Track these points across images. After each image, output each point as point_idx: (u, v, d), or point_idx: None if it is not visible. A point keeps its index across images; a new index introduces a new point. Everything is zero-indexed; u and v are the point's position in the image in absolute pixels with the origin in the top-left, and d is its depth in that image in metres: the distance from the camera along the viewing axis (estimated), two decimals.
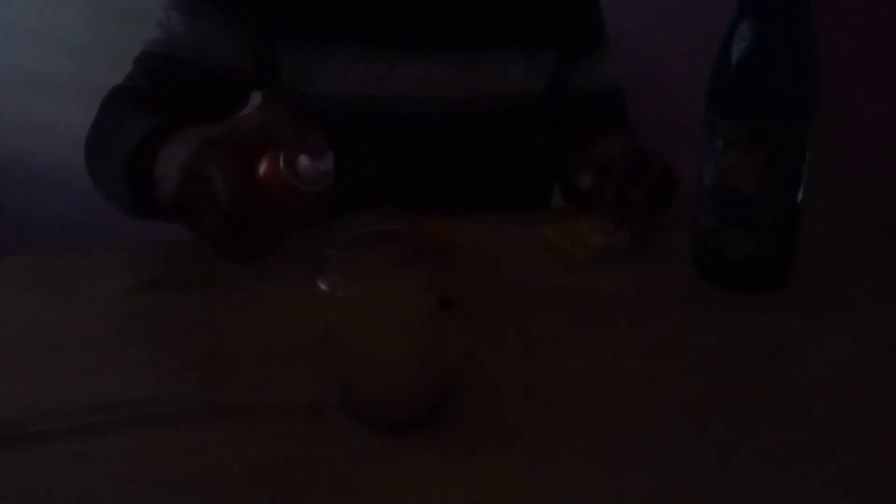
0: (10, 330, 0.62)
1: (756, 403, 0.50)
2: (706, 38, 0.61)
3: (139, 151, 0.54)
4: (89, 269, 0.70)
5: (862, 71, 1.18)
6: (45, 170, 1.71)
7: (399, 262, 0.45)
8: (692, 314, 0.59)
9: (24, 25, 1.64)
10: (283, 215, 0.44)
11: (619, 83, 0.91)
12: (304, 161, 0.42)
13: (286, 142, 0.43)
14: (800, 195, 0.58)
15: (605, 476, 0.44)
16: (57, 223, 1.68)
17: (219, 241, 0.45)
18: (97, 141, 0.68)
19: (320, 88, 0.78)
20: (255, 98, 0.84)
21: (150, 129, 0.54)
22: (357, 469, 0.46)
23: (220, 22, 0.74)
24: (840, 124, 1.04)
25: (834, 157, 0.76)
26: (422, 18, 0.78)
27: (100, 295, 0.65)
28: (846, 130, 1.11)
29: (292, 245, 0.48)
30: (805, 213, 0.59)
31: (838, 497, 0.42)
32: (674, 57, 1.28)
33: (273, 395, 0.52)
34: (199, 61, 0.73)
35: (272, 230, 0.45)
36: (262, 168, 0.43)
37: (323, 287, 0.45)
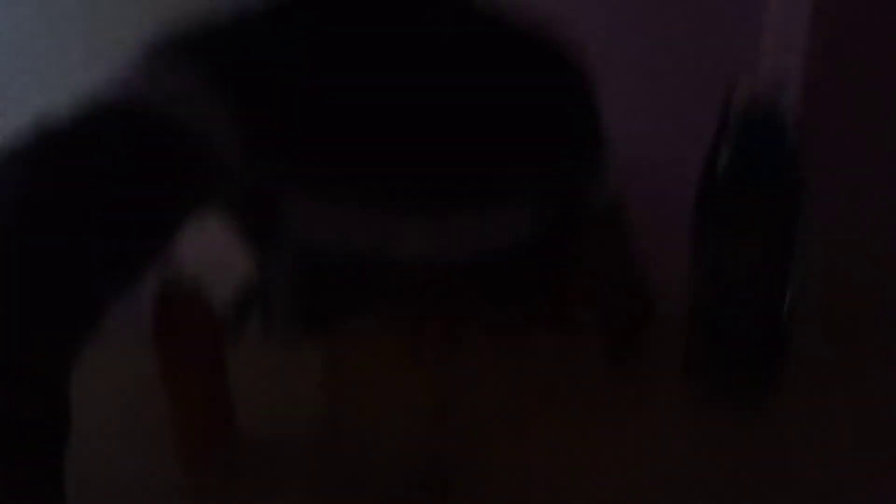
0: None
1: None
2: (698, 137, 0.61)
3: None
4: None
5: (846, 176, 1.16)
6: None
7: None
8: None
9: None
10: None
11: (619, 193, 0.88)
12: None
13: None
14: (791, 290, 0.59)
15: None
16: None
17: None
18: None
19: (319, 243, 0.73)
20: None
21: None
22: None
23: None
24: (830, 212, 1.06)
25: (827, 248, 0.77)
26: (424, 175, 0.73)
27: None
28: (836, 219, 1.11)
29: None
30: (797, 312, 0.60)
31: None
32: (665, 153, 1.29)
33: None
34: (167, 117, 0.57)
35: None
36: None
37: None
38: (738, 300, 0.58)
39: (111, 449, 0.56)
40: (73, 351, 0.44)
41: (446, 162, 0.75)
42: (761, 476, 0.54)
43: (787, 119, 0.55)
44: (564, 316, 0.81)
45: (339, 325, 0.50)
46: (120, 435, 0.58)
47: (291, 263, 0.78)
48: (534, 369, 0.67)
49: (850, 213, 1.17)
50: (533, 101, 0.80)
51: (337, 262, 0.74)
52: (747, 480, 0.54)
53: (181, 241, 0.58)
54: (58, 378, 0.42)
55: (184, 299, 0.52)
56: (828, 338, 0.68)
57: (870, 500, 0.51)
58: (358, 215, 0.71)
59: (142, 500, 0.53)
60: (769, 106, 0.54)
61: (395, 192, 0.73)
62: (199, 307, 0.52)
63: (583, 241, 0.86)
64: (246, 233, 0.79)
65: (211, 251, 0.82)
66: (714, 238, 0.57)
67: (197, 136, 0.59)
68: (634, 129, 1.32)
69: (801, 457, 0.56)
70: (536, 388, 0.64)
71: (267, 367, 0.67)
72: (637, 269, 0.75)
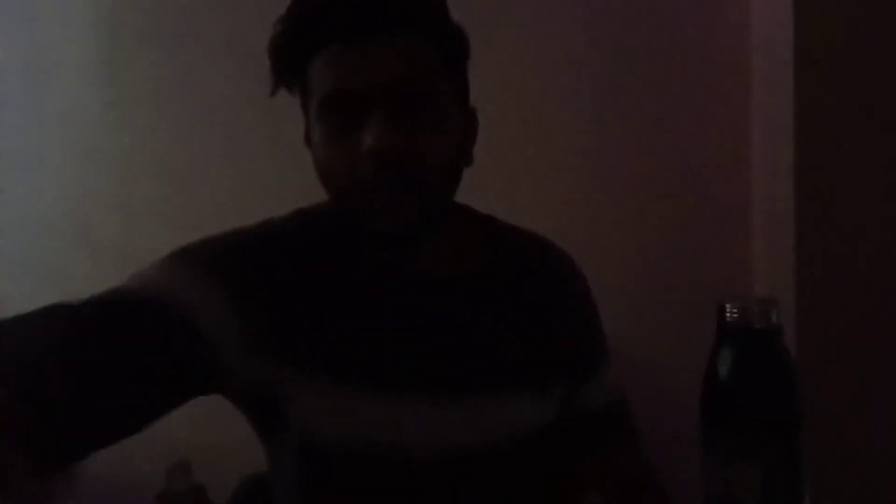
0: None
1: None
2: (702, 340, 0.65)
3: None
4: None
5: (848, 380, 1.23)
6: None
7: None
8: None
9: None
10: None
11: (621, 393, 0.90)
12: None
13: None
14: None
15: None
16: None
17: None
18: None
19: (327, 431, 0.74)
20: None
21: None
22: None
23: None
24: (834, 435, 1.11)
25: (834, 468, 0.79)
26: (430, 364, 0.76)
27: None
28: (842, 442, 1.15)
29: None
30: None
31: None
32: (670, 361, 1.37)
33: None
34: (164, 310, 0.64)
35: None
36: None
37: None
38: None
39: None
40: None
41: (446, 352, 0.77)
42: None
43: (778, 332, 0.57)
44: None
45: None
46: None
47: (297, 457, 0.78)
48: None
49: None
50: (533, 304, 0.83)
51: (341, 453, 0.74)
52: None
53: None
54: None
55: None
56: None
57: None
58: (359, 401, 0.73)
59: None
60: (761, 319, 0.58)
61: (396, 379, 0.75)
62: None
63: (588, 433, 0.86)
64: (255, 426, 0.80)
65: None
66: (721, 446, 0.58)
67: (201, 326, 0.66)
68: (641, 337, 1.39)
69: None
70: None
71: None
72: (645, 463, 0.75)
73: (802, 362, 1.11)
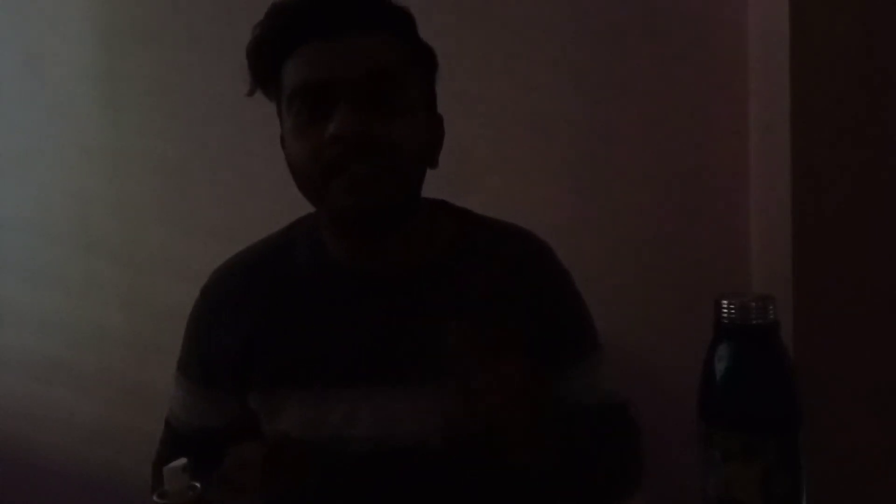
0: None
1: None
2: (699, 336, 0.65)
3: None
4: None
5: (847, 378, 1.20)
6: (53, 461, 1.70)
7: None
8: None
9: (55, 318, 1.68)
10: None
11: (617, 398, 0.87)
12: None
13: None
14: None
15: None
16: None
17: None
18: None
19: (289, 433, 0.79)
20: None
21: None
22: None
23: (203, 396, 0.86)
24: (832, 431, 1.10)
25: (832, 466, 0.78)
26: (385, 356, 0.79)
27: None
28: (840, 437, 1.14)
29: None
30: None
31: None
32: (668, 359, 1.35)
33: None
34: (198, 432, 0.86)
35: None
36: None
37: None
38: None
39: None
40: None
41: (401, 344, 0.79)
42: None
43: (775, 328, 0.57)
44: None
45: None
46: None
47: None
48: None
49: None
50: (499, 293, 0.82)
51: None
52: None
53: None
54: None
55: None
56: None
57: None
58: (310, 400, 0.79)
59: None
60: (758, 315, 0.56)
61: (348, 376, 0.79)
62: None
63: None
64: None
65: None
66: (719, 444, 0.57)
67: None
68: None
69: None
70: None
71: None
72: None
73: (800, 359, 1.11)
